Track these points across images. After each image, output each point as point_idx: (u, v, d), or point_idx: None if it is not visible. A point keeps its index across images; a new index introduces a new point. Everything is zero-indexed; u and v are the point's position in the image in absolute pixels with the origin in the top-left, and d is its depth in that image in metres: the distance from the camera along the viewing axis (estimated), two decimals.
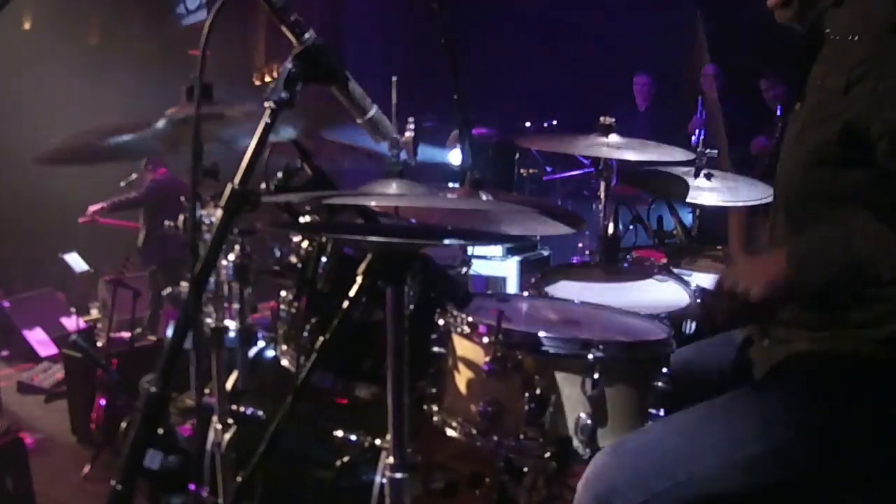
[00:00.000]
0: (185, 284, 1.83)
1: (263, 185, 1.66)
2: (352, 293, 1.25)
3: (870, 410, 1.32)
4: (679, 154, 2.64)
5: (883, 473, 1.34)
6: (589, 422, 1.52)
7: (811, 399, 1.36)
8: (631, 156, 2.53)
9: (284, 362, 1.90)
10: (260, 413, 2.03)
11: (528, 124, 6.40)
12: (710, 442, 1.36)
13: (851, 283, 1.30)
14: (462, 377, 1.64)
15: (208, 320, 1.79)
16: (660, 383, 1.59)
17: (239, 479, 1.75)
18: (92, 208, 5.82)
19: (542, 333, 1.58)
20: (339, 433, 1.90)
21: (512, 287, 4.48)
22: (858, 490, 1.35)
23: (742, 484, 1.32)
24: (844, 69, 1.31)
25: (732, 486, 1.32)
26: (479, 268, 4.20)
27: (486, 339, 1.59)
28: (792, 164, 1.45)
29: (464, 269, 2.20)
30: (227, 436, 1.81)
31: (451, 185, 2.65)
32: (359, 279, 1.25)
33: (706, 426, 1.39)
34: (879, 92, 1.27)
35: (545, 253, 4.89)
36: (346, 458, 1.84)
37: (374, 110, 1.28)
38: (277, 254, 1.84)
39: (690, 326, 2.09)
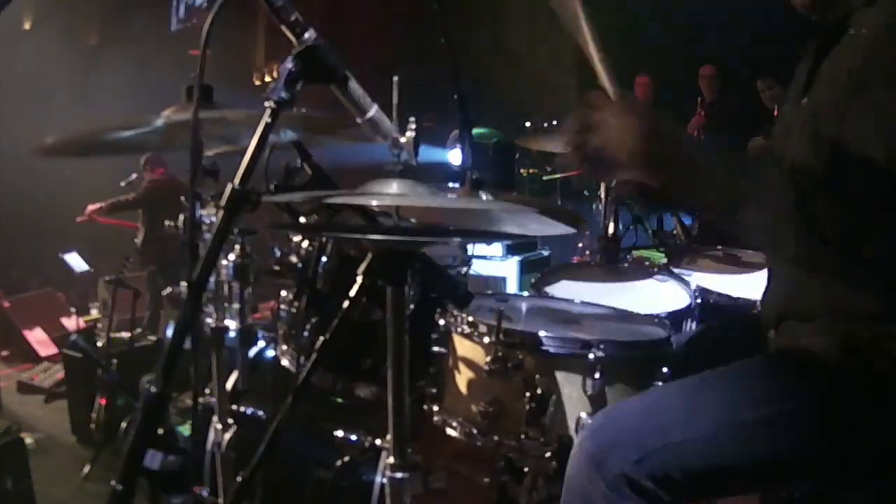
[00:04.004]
0: (185, 284, 1.82)
1: (264, 185, 1.66)
2: (352, 293, 1.25)
3: (877, 402, 1.32)
4: None
5: (878, 462, 1.33)
6: (590, 421, 1.52)
7: (814, 376, 1.35)
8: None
9: (284, 362, 1.90)
10: (260, 413, 2.03)
11: (528, 124, 6.40)
12: (705, 404, 1.35)
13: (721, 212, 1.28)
14: (462, 377, 1.64)
15: (208, 320, 1.79)
16: (660, 383, 1.59)
17: (239, 479, 1.76)
18: (90, 208, 5.82)
19: (542, 333, 1.58)
20: (340, 433, 1.90)
21: (512, 287, 4.48)
22: (851, 475, 1.34)
23: (735, 448, 1.32)
24: (853, 62, 1.28)
25: (726, 450, 1.32)
26: (479, 268, 4.20)
27: (486, 339, 1.59)
28: (790, 154, 1.42)
29: (464, 269, 2.20)
30: (227, 436, 1.81)
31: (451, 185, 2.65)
32: (359, 279, 1.25)
33: (704, 390, 1.39)
34: (881, 99, 1.23)
35: (545, 253, 4.89)
36: (346, 458, 1.84)
37: (374, 110, 1.28)
38: (277, 254, 1.84)
39: (691, 326, 2.09)
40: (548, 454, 1.54)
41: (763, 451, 1.32)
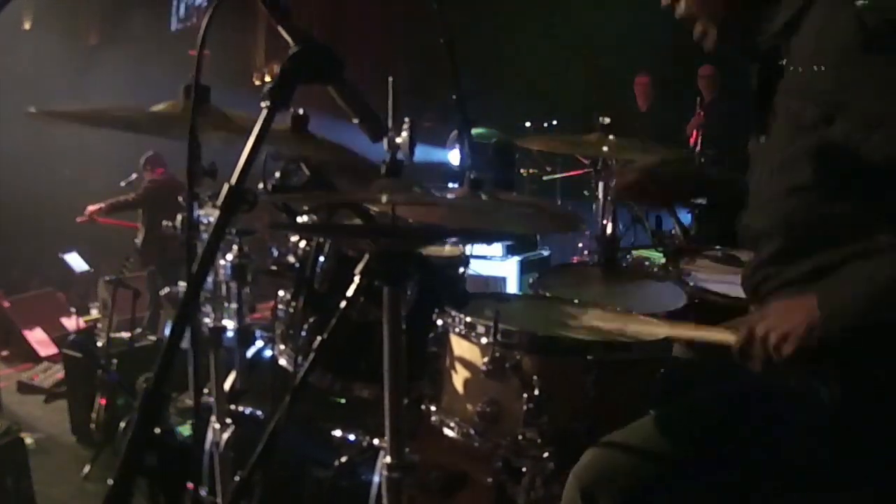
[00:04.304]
0: (183, 284, 1.83)
1: (261, 185, 1.66)
2: (349, 293, 1.25)
3: (873, 408, 1.32)
4: (680, 154, 2.65)
5: (868, 476, 1.34)
6: (587, 422, 1.52)
7: (800, 396, 1.36)
8: (631, 156, 2.53)
9: (282, 362, 1.91)
10: (258, 413, 2.04)
11: (528, 124, 6.40)
12: (694, 432, 1.36)
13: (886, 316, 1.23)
14: (460, 377, 1.64)
15: (206, 320, 1.79)
16: (659, 383, 1.59)
17: (238, 478, 1.76)
18: (90, 208, 5.82)
19: (540, 334, 1.58)
20: (338, 433, 1.90)
21: (511, 287, 4.48)
22: (850, 480, 1.35)
23: (730, 471, 1.32)
24: (816, 100, 1.27)
25: (721, 474, 1.32)
26: (478, 268, 4.21)
27: (483, 340, 1.59)
28: (767, 201, 1.41)
29: (462, 269, 2.20)
30: (226, 435, 1.81)
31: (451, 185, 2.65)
32: (356, 279, 1.25)
33: (694, 415, 1.39)
34: (860, 117, 1.23)
35: (545, 253, 4.89)
36: (344, 458, 1.85)
37: (371, 111, 1.28)
38: (275, 254, 1.84)
39: None
40: (546, 454, 1.54)
41: (759, 469, 1.32)
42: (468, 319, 1.63)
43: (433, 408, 1.68)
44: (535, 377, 1.54)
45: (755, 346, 1.29)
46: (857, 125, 1.23)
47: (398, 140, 1.28)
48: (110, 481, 0.97)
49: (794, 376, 1.36)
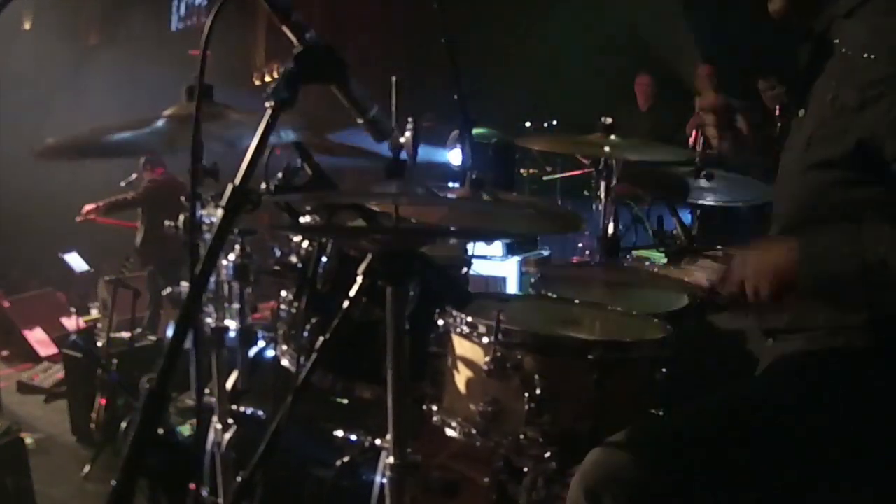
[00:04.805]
0: (185, 284, 1.83)
1: (264, 185, 1.66)
2: (352, 293, 1.25)
3: (861, 406, 1.33)
4: (680, 154, 2.65)
5: (873, 468, 1.34)
6: (589, 422, 1.52)
7: (802, 397, 1.37)
8: (632, 156, 2.53)
9: (284, 362, 1.91)
10: (260, 413, 2.04)
11: (528, 124, 6.40)
12: (702, 434, 1.36)
13: (862, 288, 1.26)
14: (462, 377, 1.64)
15: (208, 320, 1.79)
16: (661, 384, 1.59)
17: (239, 479, 1.76)
18: (87, 207, 5.81)
19: (541, 333, 1.59)
20: (340, 433, 1.90)
21: (512, 287, 4.48)
22: (847, 489, 1.35)
23: (732, 475, 1.32)
24: (858, 87, 1.31)
25: (723, 480, 1.32)
26: (479, 268, 4.20)
27: (485, 339, 1.59)
28: (796, 175, 1.45)
29: (464, 269, 2.20)
30: (227, 436, 1.81)
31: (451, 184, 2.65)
32: (359, 279, 1.25)
33: (699, 419, 1.40)
34: (894, 115, 1.27)
35: (545, 253, 4.89)
36: (346, 458, 1.85)
37: (374, 110, 1.28)
38: (278, 254, 1.84)
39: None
40: (547, 454, 1.54)
41: (767, 470, 1.32)
42: (470, 319, 1.63)
43: (435, 408, 1.68)
44: (536, 377, 1.54)
45: (731, 285, 1.39)
46: (883, 119, 1.26)
47: (402, 140, 1.28)
48: (113, 482, 0.98)
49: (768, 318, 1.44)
